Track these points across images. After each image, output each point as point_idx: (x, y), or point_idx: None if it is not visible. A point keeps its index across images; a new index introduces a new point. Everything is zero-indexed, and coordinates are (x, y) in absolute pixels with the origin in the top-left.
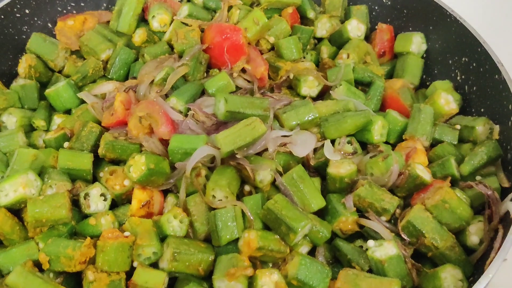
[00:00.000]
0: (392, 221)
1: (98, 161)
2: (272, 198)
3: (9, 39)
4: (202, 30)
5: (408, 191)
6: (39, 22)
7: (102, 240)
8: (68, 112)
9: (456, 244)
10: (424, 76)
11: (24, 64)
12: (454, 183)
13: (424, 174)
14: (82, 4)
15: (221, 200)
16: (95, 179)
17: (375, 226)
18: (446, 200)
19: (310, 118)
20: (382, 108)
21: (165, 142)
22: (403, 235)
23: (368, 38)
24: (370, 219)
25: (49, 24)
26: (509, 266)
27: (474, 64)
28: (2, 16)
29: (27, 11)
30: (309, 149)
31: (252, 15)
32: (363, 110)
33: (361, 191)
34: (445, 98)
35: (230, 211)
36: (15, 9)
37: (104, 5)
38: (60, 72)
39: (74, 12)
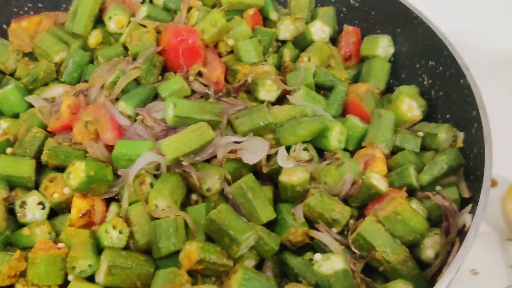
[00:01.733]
0: (346, 232)
1: (43, 168)
2: (216, 208)
3: None
4: (160, 32)
5: (362, 201)
6: None
7: (33, 251)
8: (16, 116)
9: (409, 258)
10: (391, 81)
11: None
12: (413, 193)
13: (380, 183)
14: (40, 5)
15: (163, 209)
16: (39, 187)
17: (324, 238)
18: (399, 212)
19: (264, 124)
20: (344, 114)
21: (111, 149)
22: (353, 248)
23: (335, 41)
24: (320, 231)
25: (4, 26)
26: (481, 280)
27: (440, 68)
28: None
29: None
30: (260, 156)
31: (210, 17)
32: (320, 115)
33: (311, 201)
34: (408, 103)
35: (171, 222)
36: None
37: (64, 6)
38: (12, 75)
39: (32, 13)
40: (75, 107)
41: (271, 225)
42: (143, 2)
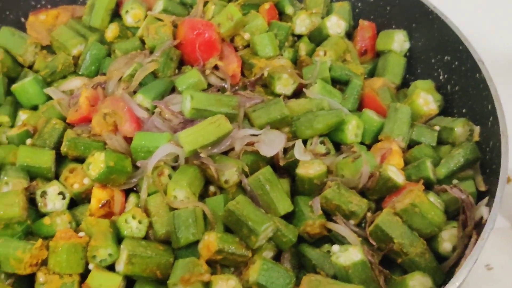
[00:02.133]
0: (363, 225)
1: (62, 159)
2: (234, 199)
3: None
4: (176, 26)
5: (380, 194)
6: (11, 16)
7: (55, 240)
8: (35, 108)
9: (426, 250)
10: (407, 76)
11: None
12: (430, 187)
13: (397, 176)
14: None
15: (182, 200)
16: (58, 177)
17: (341, 230)
18: (416, 204)
19: (280, 117)
20: (360, 108)
21: (129, 140)
22: (371, 240)
23: (351, 36)
24: (337, 223)
25: (22, 19)
26: (495, 275)
27: (456, 63)
28: None
29: None
30: (277, 148)
31: (226, 11)
32: (336, 109)
33: (328, 193)
34: (424, 98)
35: (190, 212)
36: None
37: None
38: (30, 67)
39: (49, 6)
40: (94, 99)
41: (288, 218)
42: None
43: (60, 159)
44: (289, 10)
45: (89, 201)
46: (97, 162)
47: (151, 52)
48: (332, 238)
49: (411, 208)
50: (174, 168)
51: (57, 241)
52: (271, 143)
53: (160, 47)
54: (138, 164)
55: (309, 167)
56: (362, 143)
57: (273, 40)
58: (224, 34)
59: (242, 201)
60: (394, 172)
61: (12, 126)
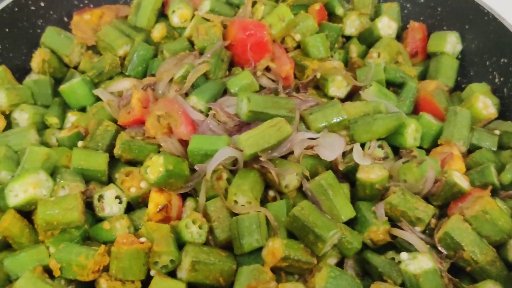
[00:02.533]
0: (427, 231)
1: (114, 162)
2: (298, 204)
3: (23, 33)
4: (225, 27)
5: (444, 199)
6: (54, 15)
7: (116, 246)
8: (83, 109)
9: (497, 258)
10: (459, 78)
11: (38, 58)
12: (494, 193)
13: (462, 182)
14: None
15: (243, 205)
16: (111, 180)
17: (409, 237)
18: (487, 211)
19: (338, 120)
20: (414, 111)
21: (184, 143)
22: (439, 248)
23: (399, 37)
24: (403, 229)
25: (65, 18)
26: None
27: None
28: (16, 9)
29: (42, 4)
30: (337, 152)
31: (277, 11)
32: (395, 112)
33: (393, 199)
34: (483, 101)
35: (254, 218)
36: (30, 2)
37: None
38: (76, 68)
39: (92, 6)
40: (145, 101)
41: (349, 224)
42: None
43: (112, 162)
44: (339, 11)
45: (145, 205)
46: (156, 166)
47: (201, 53)
48: (397, 245)
49: (482, 215)
50: (232, 172)
51: (119, 247)
52: (331, 147)
53: (210, 48)
54: (196, 167)
55: (370, 172)
56: (420, 147)
57: (325, 41)
58: (276, 35)
59: (307, 207)
60: (459, 178)
61: (60, 128)
